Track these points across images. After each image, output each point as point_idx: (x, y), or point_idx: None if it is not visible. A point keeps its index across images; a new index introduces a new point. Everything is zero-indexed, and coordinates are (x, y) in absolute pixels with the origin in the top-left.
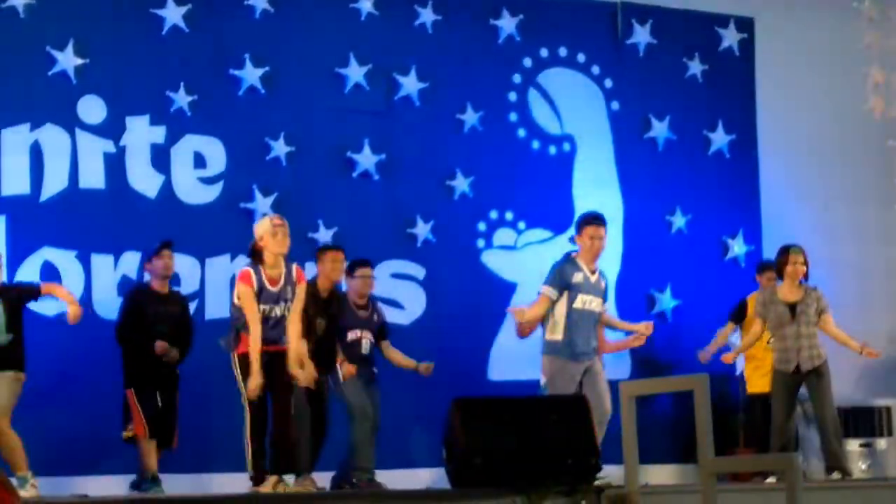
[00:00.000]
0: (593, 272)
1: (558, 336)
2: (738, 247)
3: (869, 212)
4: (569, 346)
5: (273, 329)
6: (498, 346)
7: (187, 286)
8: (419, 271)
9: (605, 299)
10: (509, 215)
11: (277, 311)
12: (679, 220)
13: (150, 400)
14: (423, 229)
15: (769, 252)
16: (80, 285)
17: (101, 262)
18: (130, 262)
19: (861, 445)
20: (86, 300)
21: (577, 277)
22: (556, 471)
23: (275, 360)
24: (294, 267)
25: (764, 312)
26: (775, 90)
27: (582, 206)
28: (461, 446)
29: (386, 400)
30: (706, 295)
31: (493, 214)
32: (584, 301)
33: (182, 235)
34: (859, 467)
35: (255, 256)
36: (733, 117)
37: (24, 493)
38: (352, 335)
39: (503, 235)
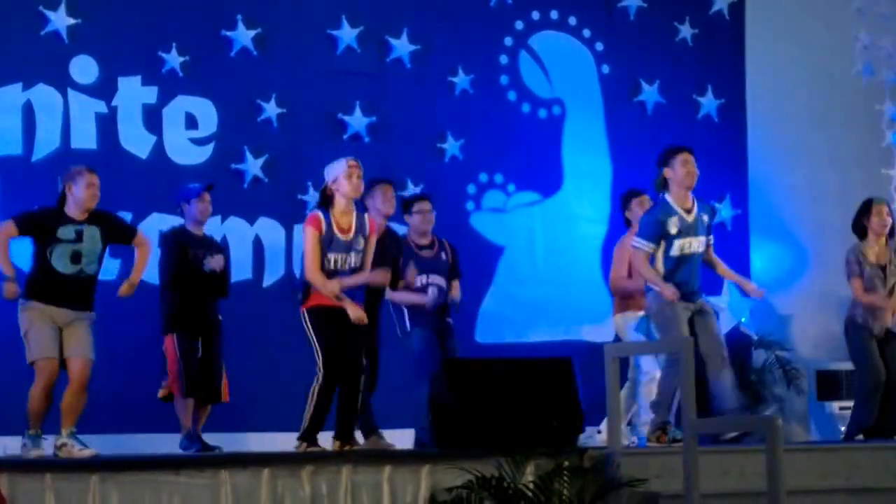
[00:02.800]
0: (689, 211)
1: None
2: (725, 210)
3: (856, 176)
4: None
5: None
6: (485, 308)
7: None
8: None
9: (708, 233)
10: (499, 178)
11: (351, 260)
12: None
13: (192, 347)
14: (413, 191)
15: (755, 216)
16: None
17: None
18: None
19: (841, 409)
20: None
21: (671, 224)
22: (541, 432)
23: (347, 318)
24: (366, 216)
25: (856, 269)
26: (764, 55)
27: (571, 169)
28: (447, 407)
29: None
30: None
31: (483, 177)
32: (682, 246)
33: (173, 196)
34: (841, 430)
35: (325, 201)
36: (722, 81)
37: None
38: (418, 281)
39: (493, 198)
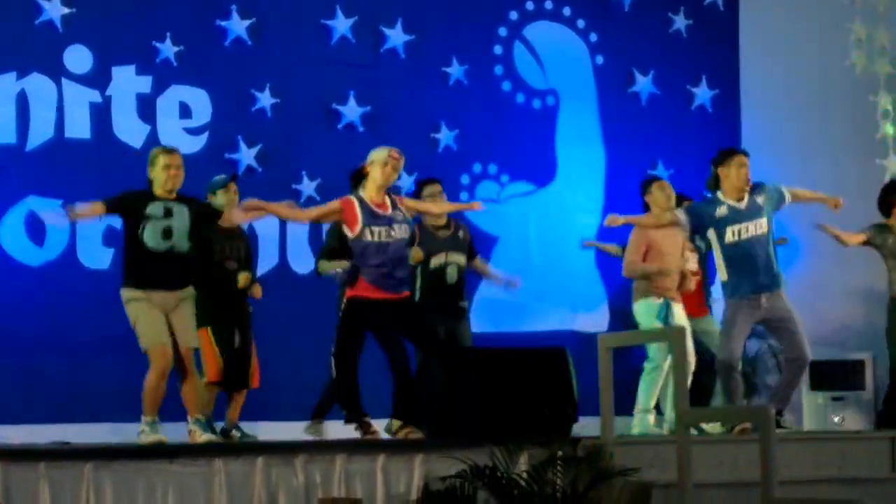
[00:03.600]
0: (740, 199)
1: (723, 277)
2: None
3: (849, 167)
4: (735, 285)
5: (394, 272)
6: (479, 298)
7: None
8: None
9: (770, 214)
10: (493, 168)
11: (395, 232)
12: (661, 175)
13: (229, 340)
14: (407, 181)
15: None
16: (66, 235)
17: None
18: None
19: (834, 399)
20: (70, 251)
21: (721, 211)
22: (534, 422)
23: (398, 307)
24: (392, 196)
25: (879, 241)
26: (759, 45)
27: (565, 159)
28: (441, 396)
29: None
30: None
31: (477, 167)
32: (736, 231)
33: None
34: (832, 420)
35: (357, 181)
36: (717, 72)
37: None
38: (435, 261)
39: (486, 188)
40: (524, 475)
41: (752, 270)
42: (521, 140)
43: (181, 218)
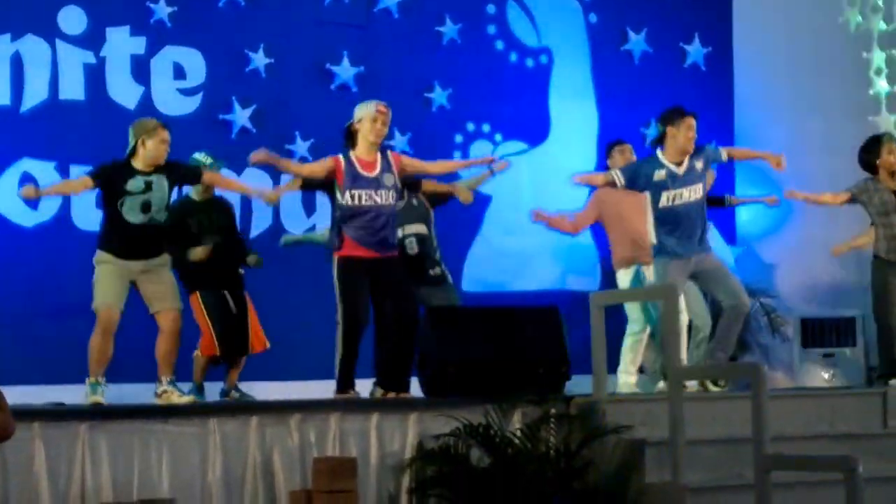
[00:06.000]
0: (680, 164)
1: (653, 240)
2: None
3: (843, 124)
4: (664, 245)
5: (378, 232)
6: (472, 258)
7: None
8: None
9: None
10: (486, 127)
11: (380, 197)
12: (654, 133)
13: (221, 307)
14: (400, 141)
15: (741, 165)
16: (59, 197)
17: (80, 174)
18: None
19: (824, 356)
20: (65, 213)
21: (659, 174)
22: (527, 380)
23: (383, 266)
24: (389, 153)
25: (865, 198)
26: (751, 3)
27: (558, 118)
28: (434, 355)
29: None
30: None
31: (471, 127)
32: (671, 197)
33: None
34: (822, 377)
35: (349, 139)
36: (709, 30)
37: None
38: (399, 232)
39: (480, 147)
40: (517, 433)
41: (683, 234)
42: (515, 99)
43: (160, 190)
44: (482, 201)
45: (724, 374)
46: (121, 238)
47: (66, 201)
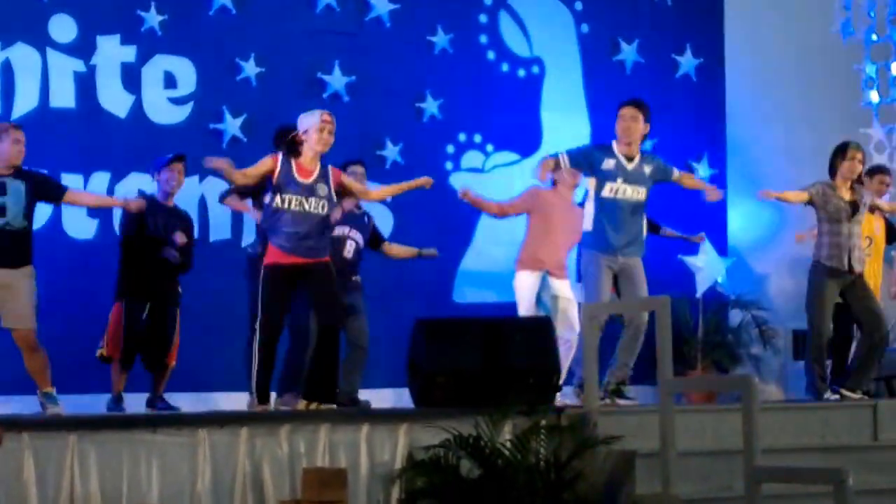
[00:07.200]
0: (631, 158)
1: (588, 227)
2: (702, 170)
3: (834, 136)
4: (598, 238)
5: (303, 239)
6: (463, 268)
7: None
8: None
9: (650, 186)
10: (478, 138)
11: (310, 204)
12: (646, 144)
13: (137, 314)
14: (391, 151)
15: (733, 176)
16: (50, 205)
17: (71, 182)
18: (100, 181)
19: None
20: (55, 220)
21: (608, 164)
22: (518, 391)
23: (310, 272)
24: (330, 167)
25: (820, 201)
26: (743, 14)
27: (550, 128)
28: (425, 366)
29: None
30: (670, 218)
31: (462, 137)
32: (615, 189)
33: (151, 156)
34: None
35: (292, 149)
36: (701, 41)
37: (56, 409)
38: (338, 230)
39: (471, 158)
40: (508, 444)
41: (618, 230)
42: (506, 109)
43: (16, 195)
44: (474, 211)
45: (715, 386)
46: None
47: (58, 209)
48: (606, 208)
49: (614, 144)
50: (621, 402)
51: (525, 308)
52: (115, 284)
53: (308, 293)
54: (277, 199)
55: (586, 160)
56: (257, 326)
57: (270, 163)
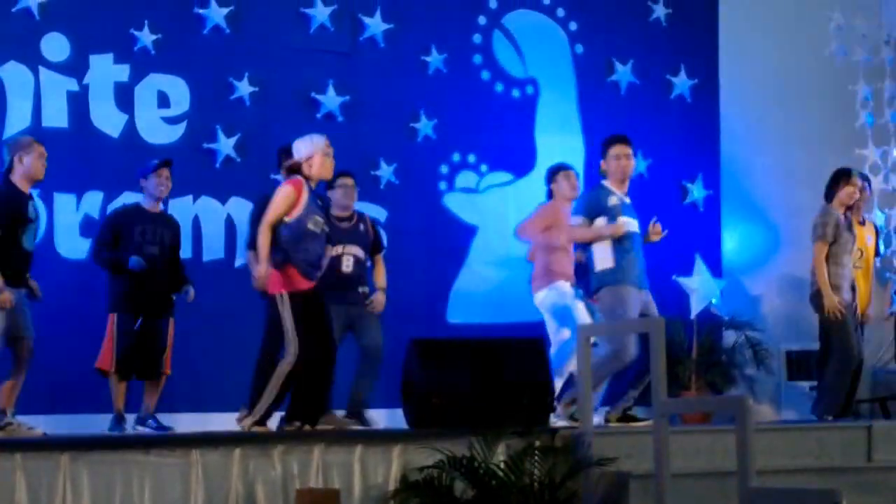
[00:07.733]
0: (625, 194)
1: (609, 264)
2: (697, 191)
3: (829, 157)
4: (622, 271)
5: (318, 260)
6: (457, 289)
7: None
8: (381, 213)
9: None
10: (472, 158)
11: (326, 227)
12: (640, 164)
13: (129, 325)
14: (385, 171)
15: (727, 197)
16: (42, 225)
17: (64, 202)
18: (93, 201)
19: (810, 388)
20: (48, 240)
21: (612, 200)
22: (512, 412)
23: (314, 297)
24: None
25: (833, 234)
26: (738, 35)
27: (544, 149)
28: (419, 387)
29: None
30: (665, 239)
31: (456, 157)
32: (626, 223)
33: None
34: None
35: (291, 171)
36: (696, 62)
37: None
38: (332, 251)
39: (465, 178)
40: (501, 465)
41: (635, 263)
42: (501, 129)
43: (41, 215)
44: (468, 231)
45: (709, 407)
46: (18, 266)
47: (49, 229)
48: (625, 243)
49: (607, 183)
50: (636, 424)
51: (561, 319)
52: (107, 298)
53: (309, 318)
54: (308, 220)
55: (597, 205)
56: (292, 353)
57: (295, 193)
